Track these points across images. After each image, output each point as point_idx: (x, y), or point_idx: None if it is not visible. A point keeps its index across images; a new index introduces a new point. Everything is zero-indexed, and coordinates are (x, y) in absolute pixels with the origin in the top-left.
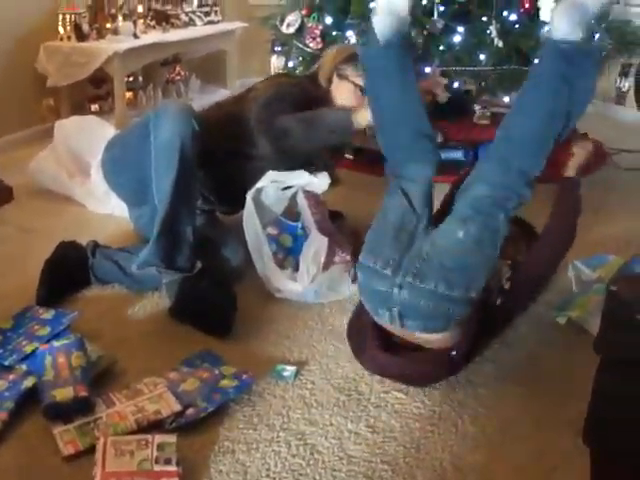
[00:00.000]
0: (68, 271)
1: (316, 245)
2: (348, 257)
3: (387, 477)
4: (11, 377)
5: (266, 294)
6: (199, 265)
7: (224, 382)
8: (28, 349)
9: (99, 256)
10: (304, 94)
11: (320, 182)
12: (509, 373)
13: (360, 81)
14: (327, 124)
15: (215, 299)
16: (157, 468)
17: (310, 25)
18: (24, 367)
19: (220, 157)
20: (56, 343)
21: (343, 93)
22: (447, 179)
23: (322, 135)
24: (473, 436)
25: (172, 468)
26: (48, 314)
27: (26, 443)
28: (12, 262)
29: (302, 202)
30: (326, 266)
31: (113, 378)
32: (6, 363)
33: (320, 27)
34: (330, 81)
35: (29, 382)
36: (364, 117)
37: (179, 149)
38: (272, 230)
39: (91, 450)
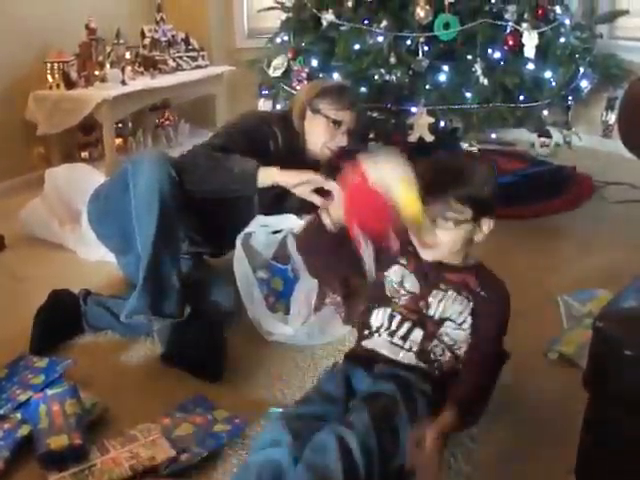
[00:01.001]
0: (61, 319)
1: (307, 287)
2: (339, 298)
3: None
4: (6, 426)
5: (258, 336)
6: (188, 310)
7: (217, 427)
8: (22, 398)
9: (91, 303)
10: (264, 129)
11: None
12: (500, 408)
13: (333, 114)
14: (230, 169)
15: (204, 345)
16: None
17: (296, 68)
18: (19, 416)
19: (199, 198)
20: (50, 391)
21: (316, 127)
22: None
23: (222, 179)
24: (467, 474)
25: None
26: (42, 362)
27: None
28: (4, 310)
29: (292, 245)
30: (317, 308)
31: (107, 425)
32: (1, 412)
33: (306, 70)
34: (303, 117)
35: (24, 430)
36: (269, 175)
37: (158, 195)
38: (263, 274)
39: None
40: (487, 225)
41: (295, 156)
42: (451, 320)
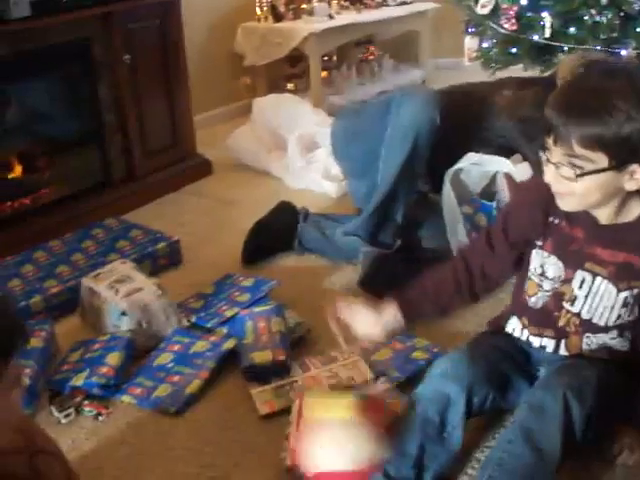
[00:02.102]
0: (277, 231)
1: None
2: None
3: None
4: (212, 339)
5: None
6: (398, 243)
7: (416, 354)
8: (228, 313)
9: (309, 222)
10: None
11: (520, 172)
12: None
13: None
14: None
15: (399, 278)
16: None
17: (505, 6)
18: (224, 330)
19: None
20: (257, 309)
21: None
22: None
23: None
24: None
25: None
26: (248, 281)
27: (225, 400)
28: (212, 232)
29: (501, 183)
30: None
31: (309, 344)
32: (208, 325)
33: (515, 8)
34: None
35: (229, 344)
36: None
37: (414, 137)
38: (468, 209)
39: (286, 411)
40: (634, 177)
41: None
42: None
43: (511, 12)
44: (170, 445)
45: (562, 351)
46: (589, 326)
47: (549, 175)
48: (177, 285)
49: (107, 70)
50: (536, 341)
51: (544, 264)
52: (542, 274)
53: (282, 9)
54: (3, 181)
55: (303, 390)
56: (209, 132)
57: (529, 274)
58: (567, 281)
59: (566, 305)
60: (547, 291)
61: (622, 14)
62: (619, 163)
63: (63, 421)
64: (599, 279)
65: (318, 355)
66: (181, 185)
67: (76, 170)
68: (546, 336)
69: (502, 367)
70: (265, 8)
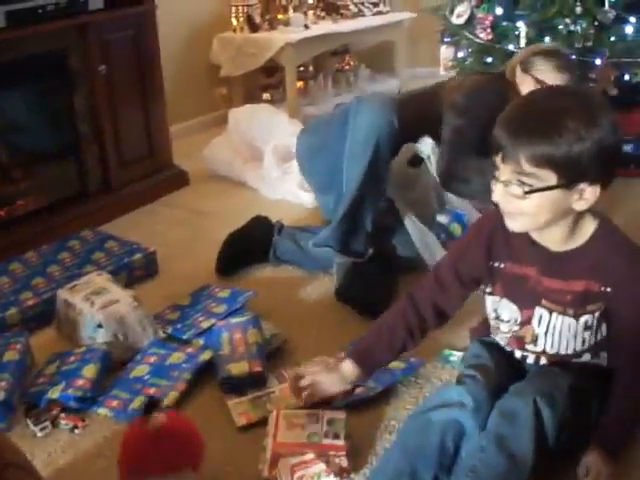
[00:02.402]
0: (251, 244)
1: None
2: None
3: None
4: (189, 350)
5: None
6: (370, 252)
7: (393, 364)
8: (205, 325)
9: (284, 235)
10: (495, 91)
11: (422, 147)
12: None
13: (539, 74)
14: None
15: (376, 287)
16: (326, 442)
17: (480, 16)
18: (201, 341)
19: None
20: (233, 320)
21: (521, 86)
22: (619, 173)
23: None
24: None
25: (340, 442)
26: (224, 292)
27: (202, 412)
28: (187, 243)
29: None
30: None
31: (285, 355)
32: (184, 337)
33: (490, 18)
34: (513, 73)
35: (206, 355)
36: None
37: (374, 142)
38: (443, 219)
39: (263, 422)
40: (590, 192)
41: None
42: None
43: (486, 22)
44: None
45: (542, 361)
46: (559, 357)
47: (497, 194)
48: (153, 296)
49: (83, 81)
50: (517, 354)
51: (497, 308)
52: (497, 318)
53: (258, 20)
54: None
55: (280, 401)
56: (185, 143)
57: (487, 316)
58: (526, 322)
59: (529, 347)
60: (505, 333)
61: (596, 23)
62: (568, 181)
63: (39, 434)
64: (555, 315)
65: (295, 366)
66: (157, 196)
67: (52, 181)
68: (526, 350)
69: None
70: (241, 19)
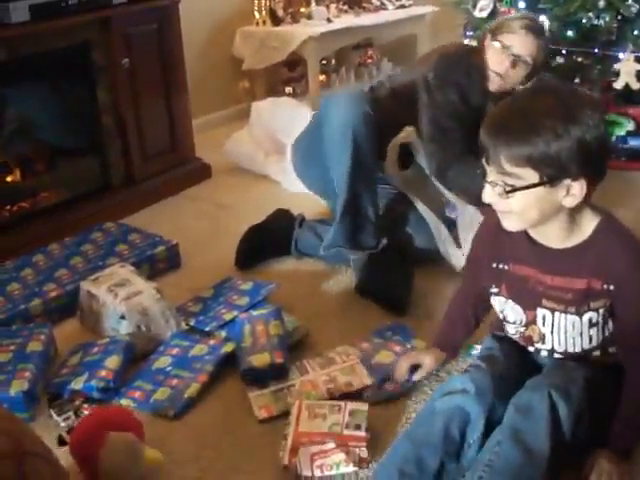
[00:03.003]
0: (273, 236)
1: (469, 213)
2: None
3: None
4: (211, 342)
5: (448, 272)
6: (384, 242)
7: None
8: (227, 317)
9: (305, 228)
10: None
11: None
12: None
13: (502, 37)
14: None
15: (393, 278)
16: (347, 432)
17: (503, 9)
18: (223, 333)
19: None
20: (255, 312)
21: (490, 55)
22: (639, 167)
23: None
24: None
25: (361, 434)
26: (247, 285)
27: (224, 404)
28: (210, 236)
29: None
30: None
31: (307, 347)
32: (207, 329)
33: (513, 11)
34: (483, 43)
35: (228, 348)
36: None
37: (351, 137)
38: (452, 214)
39: (283, 415)
40: (577, 188)
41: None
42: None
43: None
44: (169, 449)
45: (557, 355)
46: (568, 354)
47: (486, 194)
48: (176, 289)
49: (106, 74)
50: (530, 348)
51: (504, 310)
52: (504, 319)
53: (280, 13)
54: (2, 185)
55: (301, 394)
56: (208, 136)
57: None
58: (531, 322)
59: (538, 345)
60: (513, 334)
61: (620, 17)
62: (550, 179)
63: (62, 424)
64: (557, 314)
65: (317, 357)
66: (180, 189)
67: (75, 174)
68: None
69: (519, 381)
70: (263, 12)
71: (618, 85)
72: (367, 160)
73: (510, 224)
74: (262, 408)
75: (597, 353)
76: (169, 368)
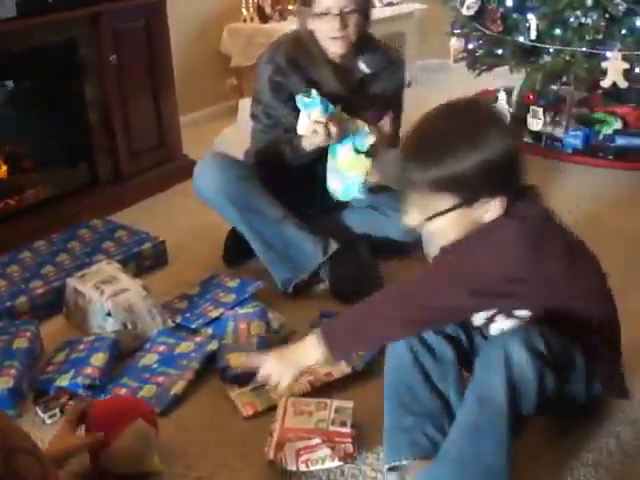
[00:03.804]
0: None
1: None
2: None
3: None
4: (197, 339)
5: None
6: (334, 246)
7: None
8: (213, 314)
9: None
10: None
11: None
12: None
13: (323, 5)
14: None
15: (367, 274)
16: (332, 428)
17: (490, 7)
18: (209, 330)
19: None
20: (240, 310)
21: (319, 27)
22: (627, 166)
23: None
24: None
25: (346, 430)
26: (233, 282)
27: (210, 401)
28: (197, 233)
29: None
30: None
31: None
32: (193, 326)
33: (501, 10)
34: (306, 25)
35: (213, 345)
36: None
37: (227, 201)
38: None
39: (269, 411)
40: (495, 204)
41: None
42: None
43: (497, 13)
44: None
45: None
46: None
47: (409, 218)
48: (163, 285)
49: (94, 71)
50: None
51: None
52: None
53: (268, 10)
54: None
55: (283, 390)
56: (195, 133)
57: None
58: None
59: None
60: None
61: (607, 16)
62: (465, 201)
63: (48, 422)
64: None
65: None
66: (167, 186)
67: (62, 171)
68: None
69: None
70: (251, 9)
71: (606, 84)
72: (257, 206)
73: (433, 246)
74: (247, 405)
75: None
76: (155, 365)
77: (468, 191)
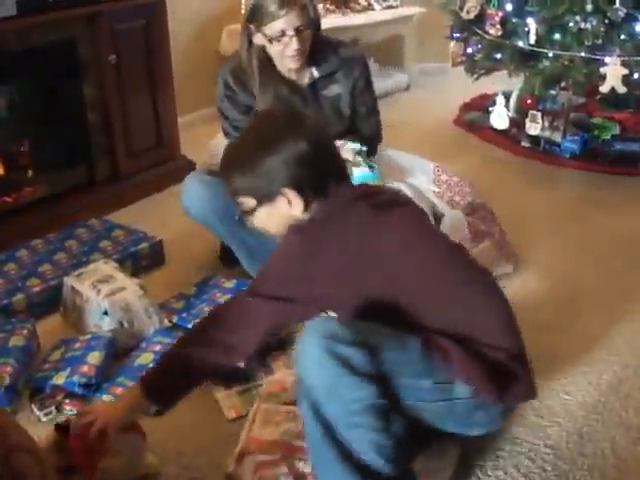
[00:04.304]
0: None
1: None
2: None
3: (549, 460)
4: None
5: None
6: None
7: None
8: None
9: None
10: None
11: None
12: None
13: (277, 27)
14: None
15: None
16: (297, 443)
17: (490, 11)
18: None
19: None
20: None
21: (275, 48)
22: (625, 171)
23: None
24: (638, 428)
25: None
26: (230, 283)
27: (205, 401)
28: (194, 233)
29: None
30: None
31: (287, 346)
32: (189, 326)
33: (500, 14)
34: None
35: None
36: None
37: (216, 218)
38: None
39: None
40: (292, 199)
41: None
42: None
43: (496, 18)
44: (150, 445)
45: None
46: None
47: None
48: (159, 285)
49: (92, 70)
50: None
51: None
52: None
53: None
54: None
55: (270, 396)
56: (193, 133)
57: None
58: None
59: None
60: None
61: (607, 21)
62: (260, 200)
63: (43, 419)
64: None
65: (282, 356)
66: (165, 186)
67: (60, 169)
68: None
69: None
70: None
71: (604, 89)
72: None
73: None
74: (231, 408)
75: None
76: (151, 364)
77: (259, 193)
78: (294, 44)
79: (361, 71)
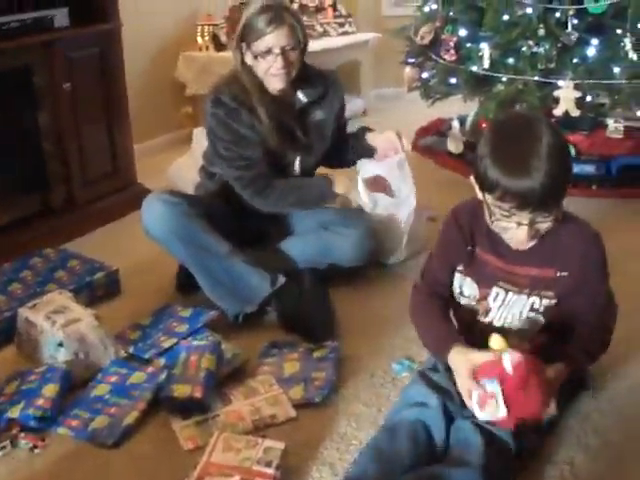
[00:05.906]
0: None
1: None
2: None
3: None
4: (149, 370)
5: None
6: (281, 280)
7: (316, 353)
8: (166, 344)
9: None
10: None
11: None
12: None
13: (265, 44)
14: (307, 193)
15: (309, 309)
16: (256, 468)
17: (444, 37)
18: (162, 361)
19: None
20: (195, 342)
21: (260, 64)
22: (580, 193)
23: (299, 202)
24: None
25: (269, 471)
26: (186, 312)
27: (162, 431)
28: (151, 261)
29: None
30: None
31: (244, 376)
32: (146, 356)
33: (455, 39)
34: (243, 60)
35: (165, 375)
36: (344, 185)
37: (176, 239)
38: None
39: None
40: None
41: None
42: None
43: (451, 43)
44: (108, 478)
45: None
46: (502, 329)
47: (523, 235)
48: (115, 315)
49: (47, 98)
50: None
51: (462, 285)
52: (460, 293)
53: (223, 38)
54: None
55: (227, 426)
56: (150, 161)
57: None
58: (483, 299)
59: (480, 318)
60: (464, 304)
61: (559, 45)
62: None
63: None
64: (510, 294)
65: (239, 387)
66: (121, 214)
67: (15, 198)
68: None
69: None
70: (206, 37)
71: (558, 112)
72: (205, 242)
73: (527, 245)
74: (188, 440)
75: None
76: (107, 396)
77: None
78: (279, 62)
79: (341, 97)
